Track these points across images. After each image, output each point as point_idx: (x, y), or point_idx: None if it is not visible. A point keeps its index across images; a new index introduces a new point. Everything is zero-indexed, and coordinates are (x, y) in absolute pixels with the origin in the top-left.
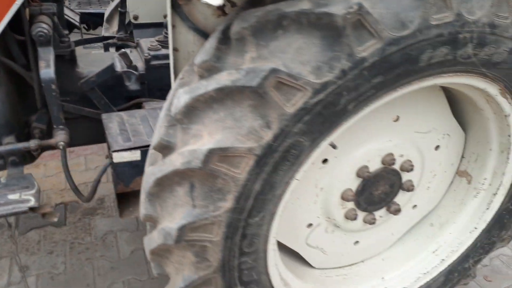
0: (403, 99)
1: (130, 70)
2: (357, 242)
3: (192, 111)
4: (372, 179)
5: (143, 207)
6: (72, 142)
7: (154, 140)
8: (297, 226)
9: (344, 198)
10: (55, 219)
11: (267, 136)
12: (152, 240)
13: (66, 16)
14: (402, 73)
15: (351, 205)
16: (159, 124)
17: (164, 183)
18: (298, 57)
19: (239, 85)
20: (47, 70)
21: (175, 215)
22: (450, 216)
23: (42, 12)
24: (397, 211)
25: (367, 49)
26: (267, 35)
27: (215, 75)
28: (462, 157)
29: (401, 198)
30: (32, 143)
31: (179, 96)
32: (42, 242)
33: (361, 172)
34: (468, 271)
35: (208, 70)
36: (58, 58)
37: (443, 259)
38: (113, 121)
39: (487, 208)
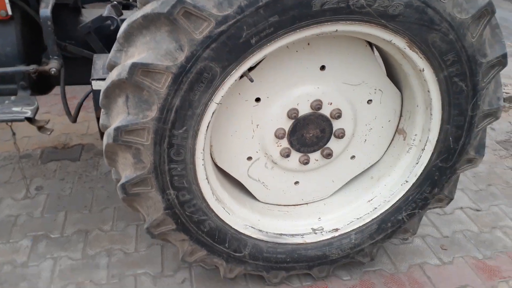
0: (329, 51)
1: (112, 16)
2: (297, 182)
3: (129, 36)
4: (302, 122)
5: (100, 119)
6: (74, 80)
7: (106, 62)
8: (238, 158)
9: (277, 136)
10: (48, 133)
11: (181, 57)
12: (103, 141)
13: None
14: (297, 15)
15: (285, 144)
16: (112, 49)
17: (109, 95)
18: None
19: (156, 12)
20: (44, 9)
21: (116, 121)
22: (387, 170)
23: None
24: (328, 155)
25: None
26: None
27: (145, 5)
28: (401, 116)
29: (334, 145)
30: (31, 67)
31: (123, 24)
32: (57, 171)
33: (291, 114)
34: (403, 223)
35: (145, 2)
36: (63, 6)
37: (375, 208)
38: (100, 59)
39: (417, 163)
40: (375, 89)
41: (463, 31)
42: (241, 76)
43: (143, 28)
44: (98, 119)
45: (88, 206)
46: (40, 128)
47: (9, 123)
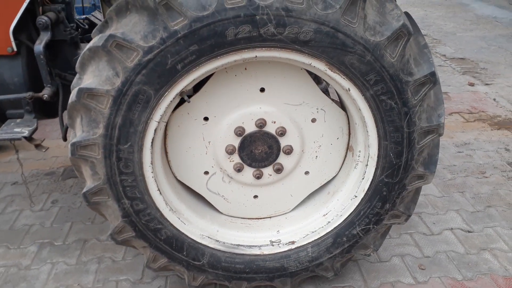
0: (266, 74)
1: None
2: (256, 196)
3: (83, 65)
4: (249, 139)
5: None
6: None
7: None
8: (195, 172)
9: (228, 152)
10: (44, 150)
11: (117, 82)
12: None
13: (93, 17)
14: (215, 44)
15: (237, 159)
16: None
17: (71, 115)
18: (134, 28)
19: (95, 45)
20: (38, 46)
21: (75, 137)
22: (340, 185)
23: (51, 9)
24: (278, 170)
25: (178, 24)
26: (122, 14)
27: (91, 41)
28: (350, 133)
29: (285, 160)
30: (27, 94)
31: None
32: (73, 186)
33: (237, 132)
34: (359, 238)
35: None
36: (62, 42)
37: (329, 221)
38: None
39: (363, 178)
40: (317, 109)
41: (380, 52)
42: (190, 96)
43: (90, 58)
44: None
45: (92, 218)
46: (37, 146)
47: (12, 142)
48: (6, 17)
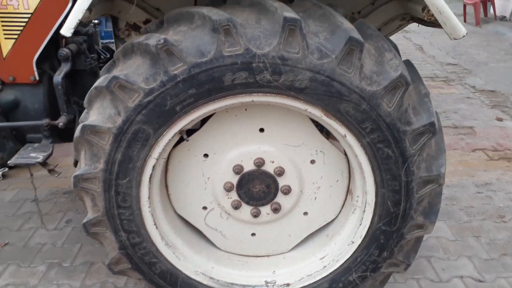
0: (266, 115)
1: None
2: (254, 234)
3: (90, 102)
4: (247, 177)
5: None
6: None
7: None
8: (194, 206)
9: (226, 189)
10: (56, 175)
11: (119, 120)
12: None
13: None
14: (212, 89)
15: (235, 196)
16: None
17: (77, 148)
18: (137, 70)
19: (100, 85)
20: (57, 76)
21: (79, 169)
22: (338, 229)
23: (73, 41)
24: (276, 210)
25: (178, 69)
26: (128, 56)
27: (98, 80)
28: (350, 177)
29: (283, 200)
30: (44, 121)
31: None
32: None
33: (236, 170)
34: (355, 286)
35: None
36: (82, 71)
37: (325, 266)
38: None
39: (360, 224)
40: (317, 151)
41: (376, 101)
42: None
43: (96, 96)
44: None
45: None
46: (50, 171)
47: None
48: (31, 48)
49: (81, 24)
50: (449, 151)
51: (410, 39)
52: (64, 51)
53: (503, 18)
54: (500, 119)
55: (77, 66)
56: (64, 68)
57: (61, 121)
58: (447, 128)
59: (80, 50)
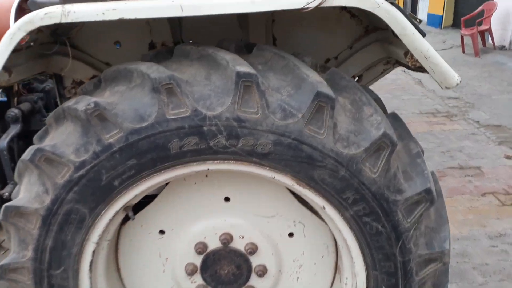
0: (230, 182)
1: None
2: None
3: (19, 175)
4: (212, 257)
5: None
6: None
7: None
8: None
9: (188, 272)
10: (2, 252)
11: (47, 200)
12: None
13: None
14: (157, 158)
15: (199, 280)
16: None
17: (6, 230)
18: (67, 140)
19: (24, 159)
20: (3, 141)
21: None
22: None
23: (26, 100)
24: None
25: (113, 137)
26: (60, 122)
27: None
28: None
29: (258, 283)
30: None
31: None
32: None
33: (198, 249)
34: None
35: None
36: (37, 132)
37: None
38: None
39: None
40: (295, 222)
41: (357, 166)
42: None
43: (25, 170)
44: None
45: None
46: None
47: None
48: None
49: (37, 80)
50: (457, 196)
51: (408, 73)
52: (12, 111)
53: (502, 48)
54: (509, 157)
55: (31, 127)
56: (12, 130)
57: (6, 191)
58: (452, 169)
59: (34, 109)
